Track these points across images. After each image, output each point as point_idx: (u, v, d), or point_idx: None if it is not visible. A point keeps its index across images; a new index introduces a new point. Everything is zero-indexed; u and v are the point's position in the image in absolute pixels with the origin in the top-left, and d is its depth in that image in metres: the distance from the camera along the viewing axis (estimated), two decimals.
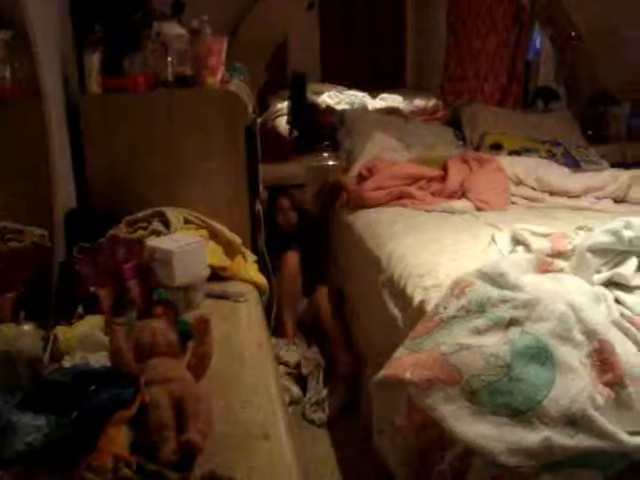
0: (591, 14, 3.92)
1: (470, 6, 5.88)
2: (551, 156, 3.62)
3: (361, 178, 3.26)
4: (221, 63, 2.21)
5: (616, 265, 1.95)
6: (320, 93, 5.45)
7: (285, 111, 4.13)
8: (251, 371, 1.43)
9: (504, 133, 3.83)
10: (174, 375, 1.21)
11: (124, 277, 1.63)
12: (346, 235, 3.05)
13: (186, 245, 1.66)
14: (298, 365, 2.92)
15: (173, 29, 2.22)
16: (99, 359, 1.35)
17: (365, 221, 2.93)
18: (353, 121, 3.89)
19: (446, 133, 3.98)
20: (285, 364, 2.89)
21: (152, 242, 1.70)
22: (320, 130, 3.91)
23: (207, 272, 1.74)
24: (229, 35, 3.56)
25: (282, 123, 4.17)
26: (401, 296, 2.17)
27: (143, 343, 1.30)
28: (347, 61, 6.44)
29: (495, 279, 1.77)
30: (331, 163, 3.75)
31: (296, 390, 2.85)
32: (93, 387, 1.09)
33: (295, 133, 3.79)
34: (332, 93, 5.42)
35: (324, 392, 2.85)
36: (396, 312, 2.20)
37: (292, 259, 3.16)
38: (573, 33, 4.04)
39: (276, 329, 3.08)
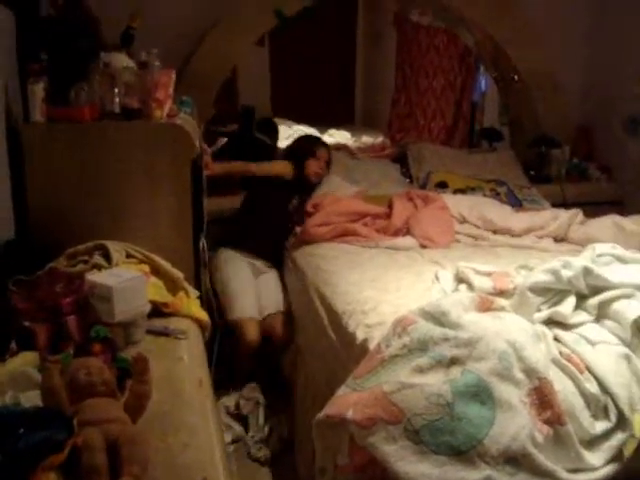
0: (531, 60, 4.05)
1: (418, 47, 6.03)
2: (495, 195, 3.70)
3: (307, 214, 3.26)
4: (169, 96, 2.20)
5: (555, 304, 1.99)
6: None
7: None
8: (191, 410, 1.40)
9: (450, 172, 3.90)
10: (110, 416, 1.17)
11: (62, 312, 1.59)
12: (292, 270, 3.04)
13: (126, 280, 1.63)
14: (238, 405, 2.87)
15: (121, 60, 2.22)
16: (31, 398, 1.30)
17: (310, 257, 2.92)
18: None
19: (392, 170, 4.03)
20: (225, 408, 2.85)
21: (92, 277, 1.67)
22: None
23: (148, 308, 1.70)
24: (179, 68, 3.60)
25: None
26: (344, 333, 2.16)
27: (78, 382, 1.26)
28: (297, 96, 6.50)
29: (437, 318, 1.78)
30: None
31: (238, 428, 2.80)
32: (22, 429, 1.04)
33: None
34: (281, 127, 5.46)
35: (266, 429, 2.82)
36: (340, 349, 2.20)
37: (252, 329, 2.97)
38: (515, 77, 4.16)
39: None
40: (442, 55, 5.86)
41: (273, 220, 3.29)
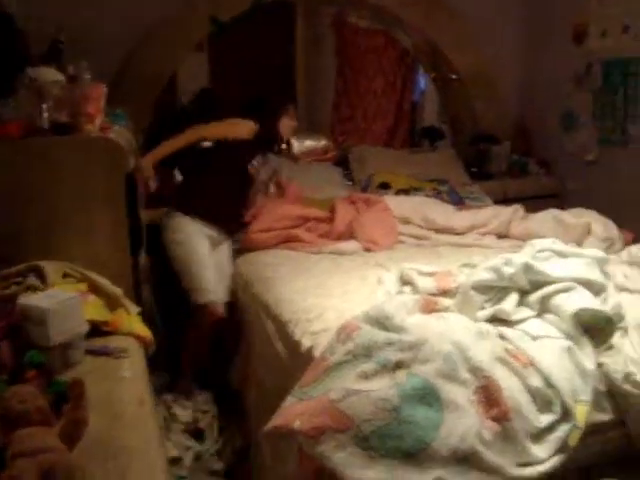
0: (468, 59, 4.11)
1: (357, 49, 6.05)
2: (437, 194, 3.74)
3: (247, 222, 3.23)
4: (100, 110, 2.14)
5: (498, 301, 2.02)
6: None
7: None
8: (131, 433, 1.36)
9: (391, 172, 3.92)
10: (43, 445, 1.13)
11: None
12: (236, 278, 3.00)
13: (61, 302, 1.57)
14: (195, 420, 2.83)
15: (49, 75, 2.15)
16: None
17: (253, 264, 2.90)
18: None
19: (335, 174, 4.04)
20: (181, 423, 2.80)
21: (25, 300, 1.61)
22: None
23: (85, 328, 1.65)
24: (115, 78, 3.54)
25: None
26: (290, 341, 2.14)
27: (11, 412, 1.21)
28: (238, 101, 6.44)
29: (381, 322, 1.78)
30: None
31: (197, 446, 2.76)
32: None
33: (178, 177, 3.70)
34: None
35: (221, 441, 2.79)
36: (286, 357, 2.18)
37: (220, 310, 2.95)
38: (454, 76, 4.21)
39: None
40: (381, 56, 5.89)
41: (230, 184, 3.11)
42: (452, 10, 4.07)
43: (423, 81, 5.48)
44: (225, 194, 3.06)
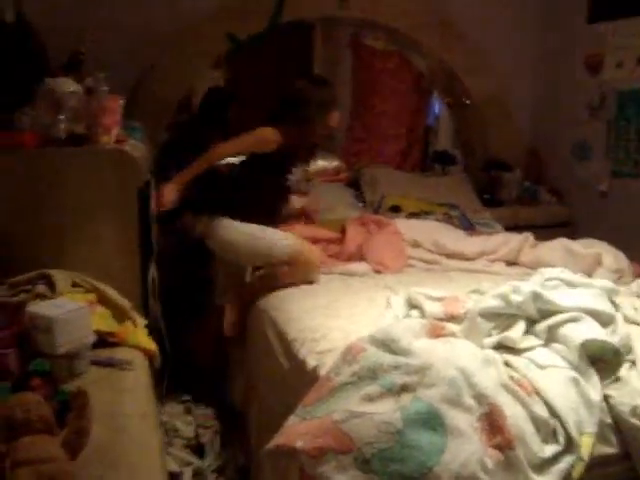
0: (483, 85, 4.12)
1: (373, 70, 6.08)
2: (448, 219, 3.74)
3: None
4: (116, 122, 2.17)
5: (505, 329, 2.01)
6: None
7: None
8: (133, 445, 1.36)
9: (403, 196, 3.92)
10: (45, 455, 1.13)
11: (0, 345, 1.54)
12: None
13: (69, 311, 1.58)
14: (197, 434, 2.82)
15: (67, 85, 2.17)
16: None
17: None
18: None
19: (347, 195, 4.05)
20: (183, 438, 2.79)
21: (33, 308, 1.61)
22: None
23: (92, 339, 1.66)
24: (132, 92, 3.57)
25: None
26: (295, 359, 2.14)
27: (14, 420, 1.21)
28: (253, 120, 6.48)
29: (387, 345, 1.78)
30: None
31: (197, 461, 2.74)
32: None
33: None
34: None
35: (222, 458, 2.77)
36: (290, 375, 2.17)
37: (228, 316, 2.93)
38: (467, 101, 4.22)
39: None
40: (396, 79, 5.91)
41: (266, 200, 3.04)
42: (467, 35, 4.09)
43: (438, 105, 5.50)
44: (260, 210, 3.00)
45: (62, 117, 2.07)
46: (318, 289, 2.69)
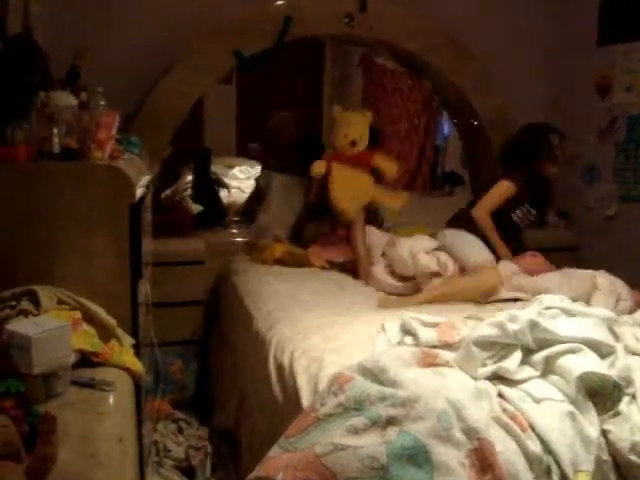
0: (491, 106, 4.08)
1: (384, 90, 6.07)
2: None
3: None
4: (111, 137, 2.13)
5: (501, 358, 1.94)
6: (232, 167, 5.47)
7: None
8: (105, 472, 1.31)
9: (409, 223, 3.88)
10: None
11: None
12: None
13: (48, 330, 1.54)
14: (187, 456, 2.77)
15: (62, 99, 2.15)
16: None
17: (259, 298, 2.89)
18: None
19: None
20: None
21: (11, 326, 1.58)
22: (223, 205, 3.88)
23: (71, 359, 1.61)
24: (136, 106, 3.56)
25: None
26: (286, 384, 2.09)
27: None
28: (262, 137, 6.47)
29: (376, 374, 1.72)
30: (237, 239, 3.71)
31: None
32: None
33: (198, 208, 3.72)
34: (243, 168, 5.44)
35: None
36: (282, 402, 2.12)
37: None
38: (475, 122, 4.18)
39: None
40: (406, 98, 5.91)
41: None
42: (476, 56, 4.05)
43: (447, 126, 5.47)
44: None
45: (56, 131, 2.04)
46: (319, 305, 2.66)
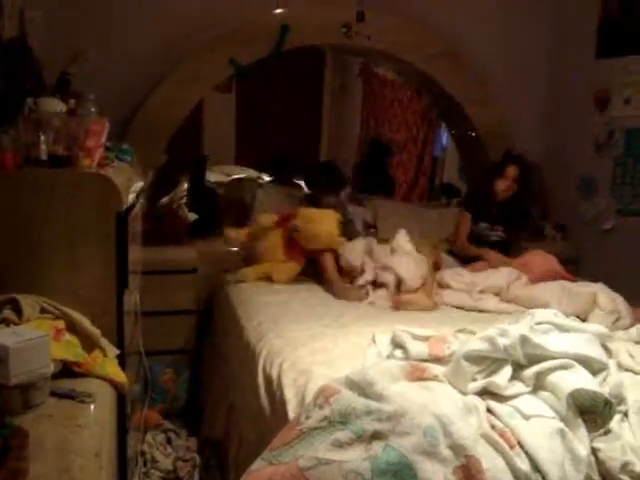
0: (488, 119, 4.07)
1: (383, 100, 6.07)
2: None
3: None
4: (99, 145, 2.11)
5: (491, 373, 1.91)
6: (230, 175, 5.45)
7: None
8: None
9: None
10: None
11: None
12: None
13: (27, 340, 1.51)
14: (175, 468, 2.73)
15: (51, 105, 2.13)
16: None
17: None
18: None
19: None
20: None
21: None
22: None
23: (50, 370, 1.58)
24: (131, 114, 3.54)
25: None
26: (274, 394, 2.05)
27: None
28: (262, 144, 6.46)
29: (363, 388, 1.69)
30: (230, 249, 3.68)
31: None
32: None
33: (194, 216, 3.68)
34: (243, 176, 5.42)
35: None
36: (269, 414, 2.08)
37: None
38: (472, 133, 4.16)
39: None
40: (406, 109, 5.91)
41: None
42: (474, 68, 4.04)
43: (445, 137, 5.46)
44: None
45: (43, 138, 2.02)
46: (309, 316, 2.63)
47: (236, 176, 5.43)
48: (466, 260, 3.65)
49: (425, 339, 2.10)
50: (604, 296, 2.77)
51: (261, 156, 5.95)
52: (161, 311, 3.15)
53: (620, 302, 2.75)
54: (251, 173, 5.59)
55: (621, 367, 2.10)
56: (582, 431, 1.74)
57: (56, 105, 2.13)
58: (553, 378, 1.84)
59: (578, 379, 1.82)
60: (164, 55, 3.61)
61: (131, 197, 2.25)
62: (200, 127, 5.83)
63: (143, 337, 2.54)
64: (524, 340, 1.90)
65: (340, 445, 1.54)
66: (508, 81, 4.16)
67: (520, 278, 3.12)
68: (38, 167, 1.98)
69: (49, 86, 2.45)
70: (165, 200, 3.92)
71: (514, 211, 3.87)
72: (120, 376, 1.86)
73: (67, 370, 1.73)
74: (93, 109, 2.25)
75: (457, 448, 1.58)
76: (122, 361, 2.00)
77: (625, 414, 1.87)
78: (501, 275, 3.20)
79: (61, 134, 2.05)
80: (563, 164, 4.17)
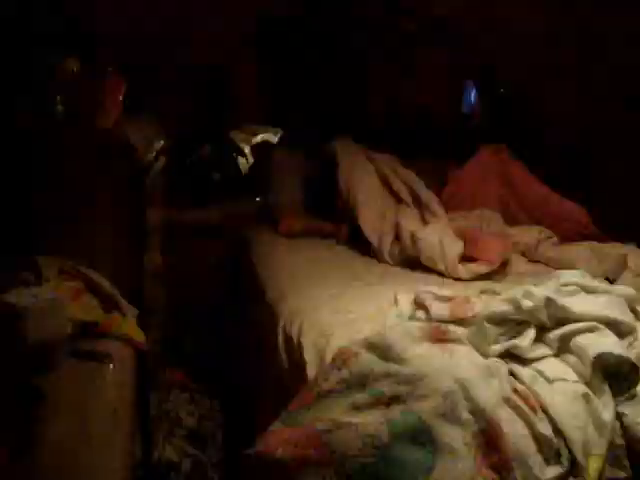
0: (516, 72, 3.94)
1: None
2: None
3: None
4: (117, 103, 2.09)
5: (515, 335, 1.87)
6: (256, 135, 5.39)
7: None
8: (94, 449, 1.28)
9: None
10: None
11: None
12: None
13: (43, 301, 1.51)
14: (199, 426, 2.76)
15: (67, 64, 2.11)
16: None
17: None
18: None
19: None
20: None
21: (5, 297, 1.54)
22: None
23: (67, 330, 1.58)
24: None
25: None
26: (294, 355, 2.04)
27: None
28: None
29: (382, 350, 1.66)
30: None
31: (197, 453, 2.68)
32: None
33: (216, 176, 3.65)
34: (267, 136, 5.35)
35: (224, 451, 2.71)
36: (287, 372, 2.08)
37: None
38: (502, 90, 4.06)
39: None
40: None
41: None
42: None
43: (473, 94, 5.32)
44: None
45: (59, 96, 2.00)
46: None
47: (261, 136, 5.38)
48: None
49: (447, 300, 2.06)
50: (636, 259, 2.69)
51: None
52: (185, 272, 3.15)
53: None
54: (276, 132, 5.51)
55: None
56: (607, 396, 1.69)
57: (72, 63, 2.10)
58: (578, 341, 1.79)
59: (604, 342, 1.76)
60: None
61: (151, 156, 2.23)
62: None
63: (167, 297, 2.55)
64: (549, 302, 1.85)
65: (357, 408, 1.52)
66: None
67: (552, 237, 3.05)
68: (55, 126, 1.97)
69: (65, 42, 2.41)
70: (192, 159, 3.89)
71: None
72: (140, 336, 1.86)
73: (86, 331, 1.74)
74: (110, 68, 2.23)
75: (477, 412, 1.55)
76: (143, 321, 2.01)
77: None
78: (531, 234, 3.13)
79: (78, 92, 2.03)
80: None
